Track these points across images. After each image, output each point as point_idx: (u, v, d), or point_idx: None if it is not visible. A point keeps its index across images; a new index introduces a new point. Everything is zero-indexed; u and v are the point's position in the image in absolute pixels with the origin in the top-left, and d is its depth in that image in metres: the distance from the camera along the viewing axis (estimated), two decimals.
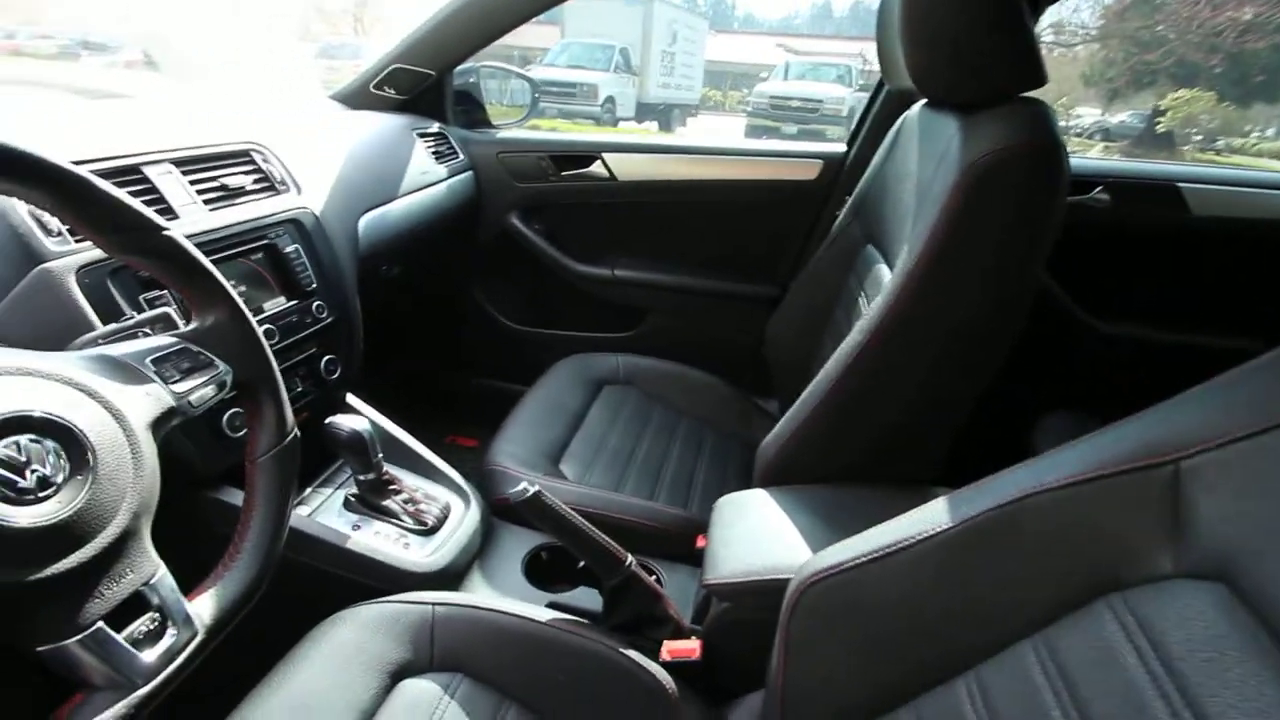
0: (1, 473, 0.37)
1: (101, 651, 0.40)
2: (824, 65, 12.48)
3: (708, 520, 0.81)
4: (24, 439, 0.38)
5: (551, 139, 1.57)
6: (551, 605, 0.87)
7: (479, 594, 0.88)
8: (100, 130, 0.81)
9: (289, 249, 0.89)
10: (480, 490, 1.01)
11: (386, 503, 0.88)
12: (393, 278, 1.25)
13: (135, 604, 0.43)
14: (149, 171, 0.76)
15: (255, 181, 0.90)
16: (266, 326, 0.83)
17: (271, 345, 0.82)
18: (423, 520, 0.89)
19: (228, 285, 0.53)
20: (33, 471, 0.38)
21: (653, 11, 13.44)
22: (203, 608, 0.48)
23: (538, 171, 1.52)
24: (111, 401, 0.43)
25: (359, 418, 0.84)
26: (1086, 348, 1.33)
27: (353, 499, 0.89)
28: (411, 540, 0.87)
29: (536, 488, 0.70)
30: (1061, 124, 0.72)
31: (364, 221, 1.09)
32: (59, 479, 0.39)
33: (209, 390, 0.50)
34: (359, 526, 0.86)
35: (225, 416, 0.74)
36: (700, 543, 0.86)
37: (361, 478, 0.87)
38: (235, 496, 0.78)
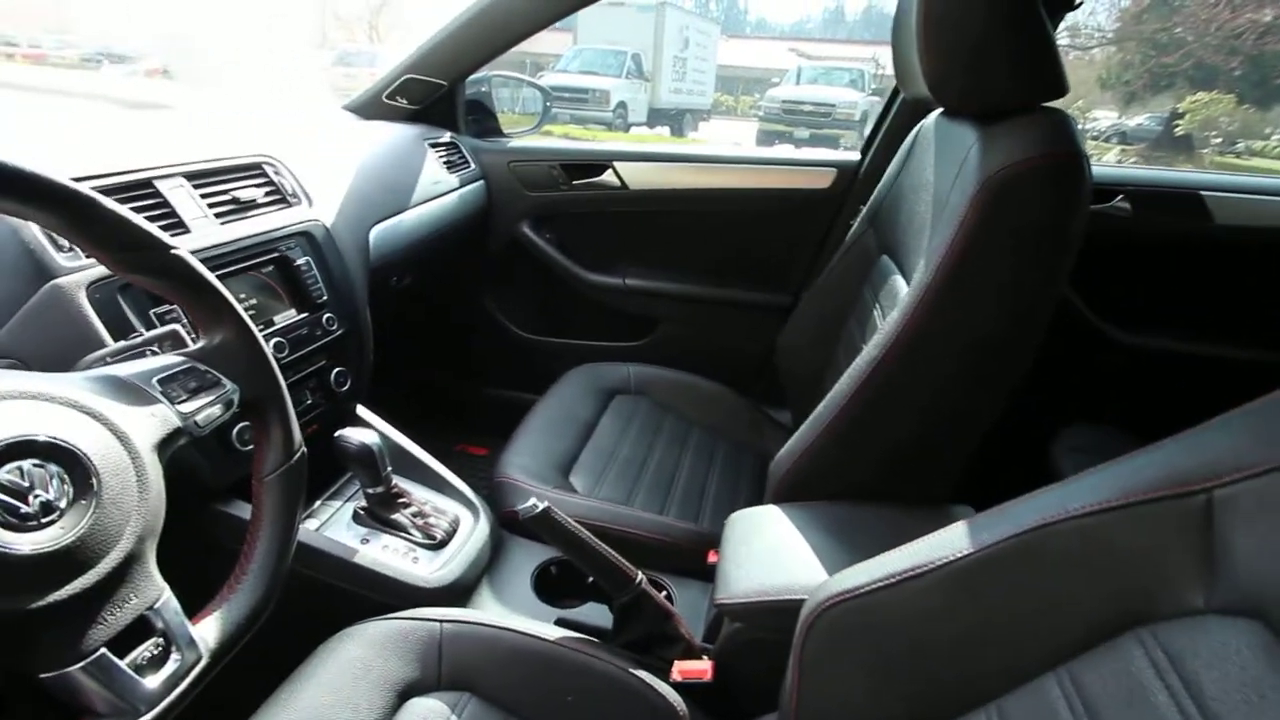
0: (4, 499, 0.37)
1: (105, 678, 0.40)
2: (837, 69, 12.45)
3: (719, 535, 0.79)
4: (27, 464, 0.38)
5: (563, 148, 1.57)
6: (560, 622, 0.86)
7: (487, 610, 0.87)
8: (114, 143, 0.81)
9: (300, 261, 0.89)
10: (489, 502, 1.00)
11: (395, 516, 0.88)
12: (403, 288, 1.25)
13: (139, 629, 0.42)
14: (161, 185, 0.76)
15: (267, 194, 0.90)
16: (277, 339, 0.83)
17: (282, 358, 0.83)
18: (432, 534, 0.88)
19: (235, 303, 0.53)
20: (36, 496, 0.38)
21: (664, 17, 13.47)
22: (207, 631, 0.47)
23: (549, 180, 1.52)
24: (116, 424, 0.43)
25: (368, 431, 0.83)
26: (1106, 359, 1.31)
27: (362, 512, 0.88)
28: (420, 554, 0.86)
29: (545, 504, 0.69)
30: (1077, 127, 0.71)
31: (375, 233, 1.09)
32: (62, 504, 0.39)
33: (216, 410, 0.50)
34: (368, 540, 0.86)
35: (235, 430, 0.74)
36: (712, 558, 0.85)
37: (370, 491, 0.86)
38: (243, 510, 0.78)
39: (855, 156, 1.43)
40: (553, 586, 0.93)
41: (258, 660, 0.57)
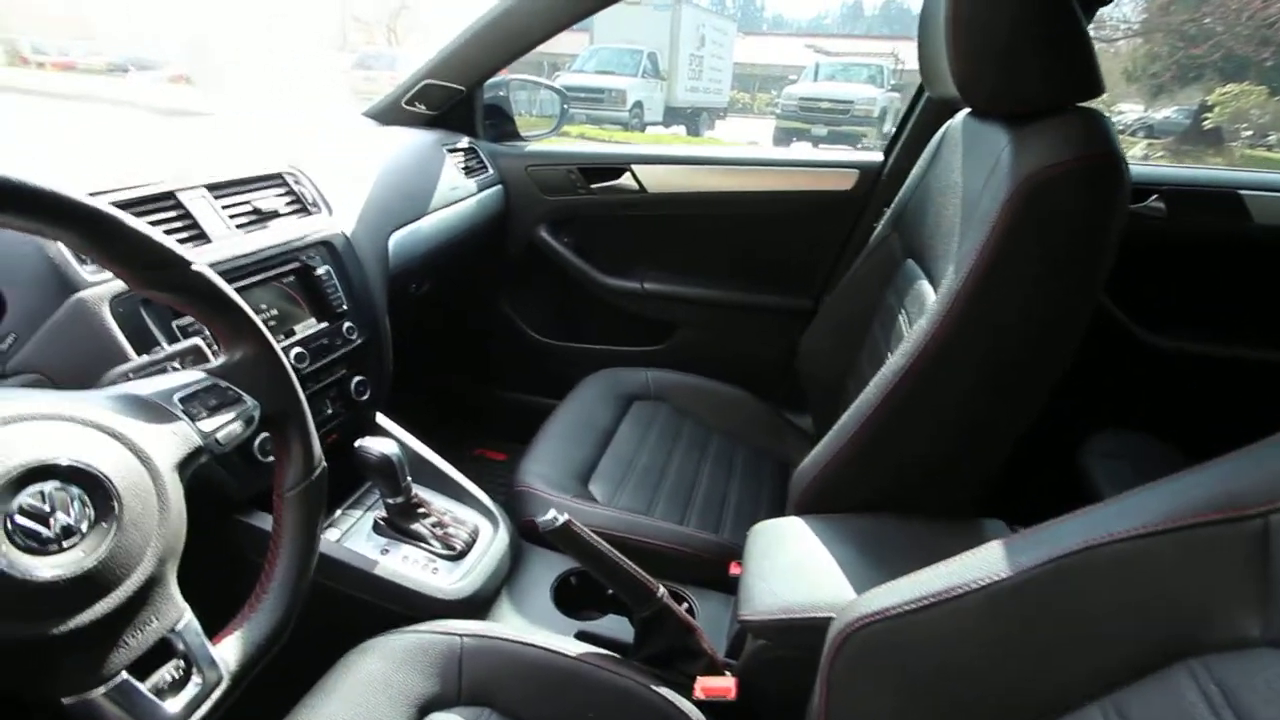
0: (25, 523, 0.36)
1: (126, 702, 0.40)
2: (855, 65, 12.32)
3: (740, 545, 0.78)
4: (49, 486, 0.38)
5: (580, 151, 1.56)
6: (581, 635, 0.85)
7: (507, 622, 0.86)
8: (138, 154, 0.82)
9: (320, 271, 0.89)
10: (508, 511, 0.99)
11: (415, 526, 0.87)
12: (422, 295, 1.25)
13: (160, 651, 0.42)
14: (183, 197, 0.77)
15: (288, 204, 0.90)
16: (298, 350, 0.82)
17: (303, 368, 0.83)
18: (451, 545, 0.88)
19: (256, 319, 0.53)
20: (57, 520, 0.37)
21: (680, 15, 13.44)
22: (228, 652, 0.47)
23: (566, 184, 1.51)
24: (138, 444, 0.42)
25: (388, 440, 0.83)
26: (1138, 363, 1.27)
27: (382, 522, 0.88)
28: (440, 565, 0.86)
29: (565, 517, 0.68)
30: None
31: (394, 240, 1.09)
32: (83, 527, 0.38)
33: (236, 427, 0.50)
34: (388, 550, 0.85)
35: (257, 442, 0.74)
36: (734, 570, 0.83)
37: (390, 501, 0.86)
38: (265, 521, 0.78)
39: (878, 157, 1.41)
40: (572, 597, 0.92)
41: (277, 673, 0.56)
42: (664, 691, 0.67)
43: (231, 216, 0.82)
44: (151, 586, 0.41)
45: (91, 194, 0.67)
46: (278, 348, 0.54)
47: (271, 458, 0.73)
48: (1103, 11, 1.01)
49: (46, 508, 0.37)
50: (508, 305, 1.62)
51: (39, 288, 0.62)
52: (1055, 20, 0.65)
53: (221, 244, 0.78)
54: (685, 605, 0.91)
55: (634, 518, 0.98)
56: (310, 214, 0.93)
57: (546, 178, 1.51)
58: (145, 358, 0.60)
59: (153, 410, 0.46)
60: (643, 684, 0.68)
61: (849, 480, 0.78)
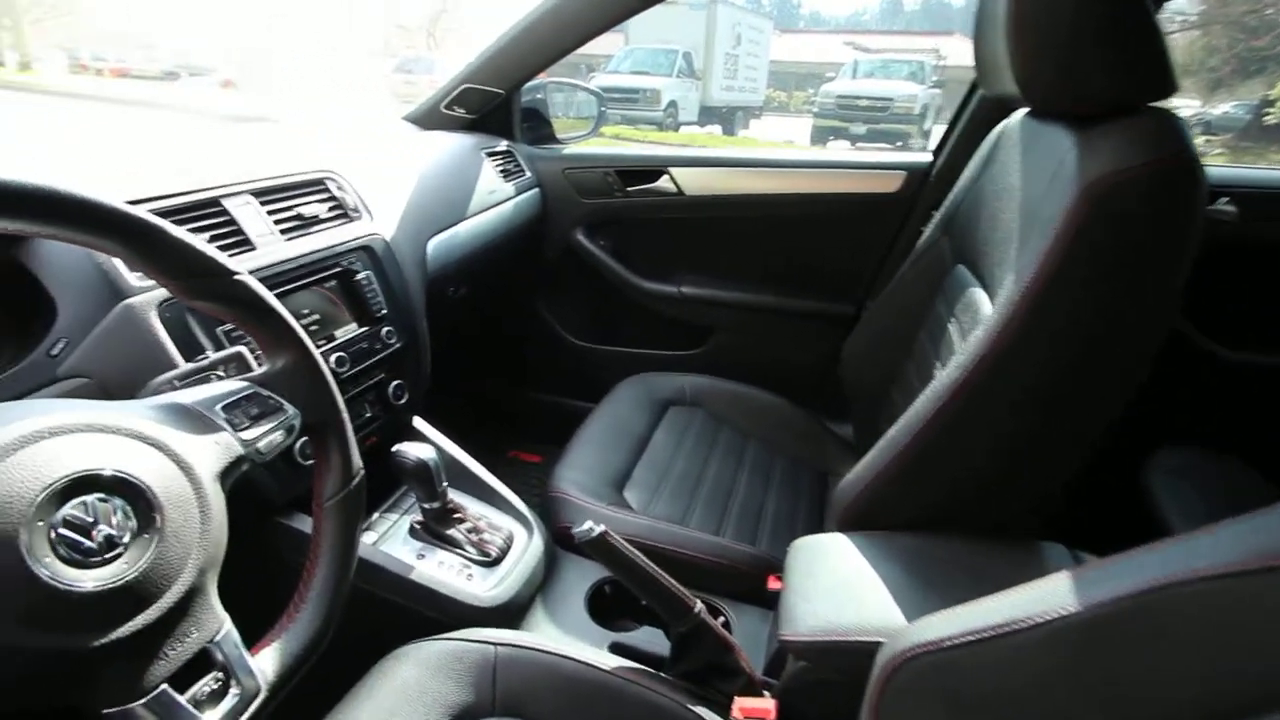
0: (69, 534, 0.36)
1: (165, 715, 0.39)
2: (895, 62, 12.06)
3: (778, 557, 0.76)
4: (92, 498, 0.38)
5: (618, 154, 1.55)
6: (614, 646, 0.84)
7: (541, 631, 0.85)
8: (186, 160, 0.83)
9: (361, 276, 0.89)
10: (543, 517, 0.99)
11: (450, 531, 0.87)
12: (459, 298, 1.26)
13: (199, 662, 0.42)
14: (228, 204, 0.78)
15: (330, 210, 0.91)
16: (338, 354, 0.83)
17: (343, 372, 0.84)
18: (486, 551, 0.87)
19: (299, 328, 0.52)
20: (99, 531, 0.37)
21: (716, 14, 13.36)
22: (266, 663, 0.47)
23: (604, 187, 1.50)
24: (180, 454, 0.42)
25: (425, 445, 0.83)
26: (1203, 375, 1.21)
27: (418, 526, 0.88)
28: (475, 571, 0.86)
29: (602, 528, 0.67)
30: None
31: (433, 244, 1.09)
32: (125, 538, 0.38)
33: (277, 436, 0.50)
34: (423, 555, 0.86)
35: (297, 446, 0.74)
36: (773, 584, 0.81)
37: (427, 506, 0.86)
38: (304, 523, 0.78)
39: (926, 158, 1.36)
40: (607, 607, 0.91)
41: (312, 679, 0.56)
42: (700, 710, 0.66)
43: (276, 222, 0.82)
44: (192, 597, 0.41)
45: (137, 201, 0.68)
46: (319, 357, 0.54)
47: (311, 461, 0.73)
48: None
49: (90, 519, 0.37)
50: (544, 308, 1.62)
51: (89, 294, 0.63)
52: (1125, 14, 0.62)
53: (265, 250, 0.79)
54: (721, 619, 0.89)
55: (670, 527, 0.96)
56: (351, 219, 0.94)
57: (584, 180, 1.51)
58: (190, 365, 0.61)
59: (196, 419, 0.46)
60: (678, 702, 0.66)
61: (896, 497, 0.75)
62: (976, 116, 1.26)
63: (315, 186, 0.92)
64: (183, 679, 0.41)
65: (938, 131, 1.42)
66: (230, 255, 0.74)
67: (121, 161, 0.81)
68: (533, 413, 1.72)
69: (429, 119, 1.40)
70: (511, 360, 1.71)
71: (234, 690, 0.43)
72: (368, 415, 0.89)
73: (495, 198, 1.31)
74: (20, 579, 0.35)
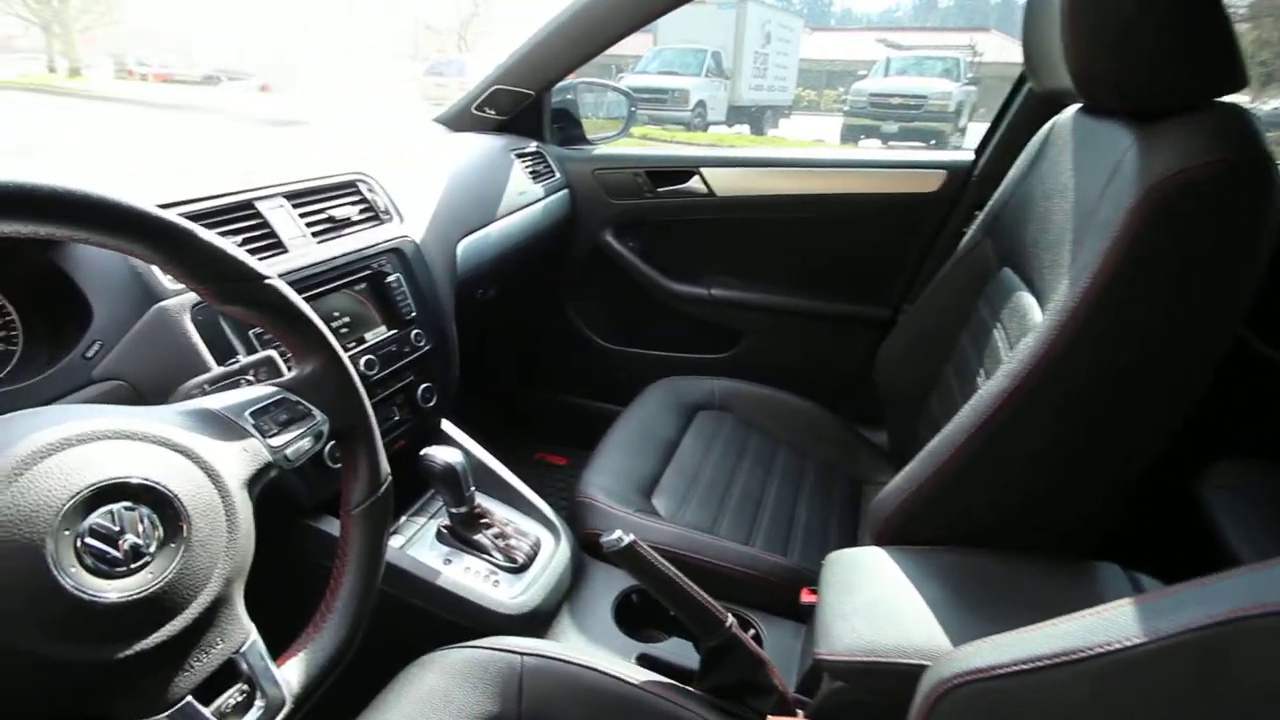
0: (95, 544, 0.36)
1: None
2: (929, 59, 11.84)
3: (810, 569, 0.73)
4: (119, 506, 0.37)
5: (649, 154, 1.53)
6: (642, 658, 0.82)
7: (567, 640, 0.84)
8: (222, 163, 0.84)
9: (391, 278, 0.89)
10: (569, 522, 0.97)
11: (477, 537, 0.87)
12: (488, 300, 1.25)
13: (224, 674, 0.42)
14: (261, 206, 0.78)
15: (361, 212, 0.91)
16: (367, 357, 0.83)
17: (372, 375, 0.83)
18: (513, 557, 0.86)
19: (329, 334, 0.52)
20: (125, 540, 0.37)
21: (746, 13, 13.28)
22: (291, 674, 0.46)
23: (633, 188, 1.48)
24: (209, 462, 0.42)
25: (452, 450, 0.82)
26: (1264, 384, 1.14)
27: (445, 531, 0.87)
28: (501, 578, 0.85)
29: (631, 537, 0.65)
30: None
31: (462, 246, 1.09)
32: (152, 548, 0.38)
33: (305, 443, 0.49)
34: (450, 560, 0.85)
35: (327, 448, 0.74)
36: (806, 597, 0.78)
37: (454, 510, 0.85)
38: (333, 526, 0.78)
39: (968, 156, 1.32)
40: (634, 616, 0.89)
41: (337, 685, 0.56)
42: None
43: (308, 225, 0.82)
44: (218, 608, 0.41)
45: (170, 204, 0.68)
46: (348, 363, 0.53)
47: (340, 464, 0.73)
48: None
49: (116, 528, 0.37)
50: (571, 310, 1.61)
51: (124, 296, 0.63)
52: (1191, 3, 0.58)
53: (297, 253, 0.79)
54: (752, 632, 0.86)
55: (699, 536, 0.94)
56: (382, 221, 0.93)
57: (613, 181, 1.49)
58: (221, 369, 0.60)
59: (224, 426, 0.45)
60: (708, 719, 0.64)
61: (937, 510, 0.72)
62: (1023, 113, 1.21)
63: (347, 189, 0.92)
64: (207, 690, 0.40)
65: (974, 129, 1.37)
66: (263, 258, 0.75)
67: (159, 165, 0.82)
68: (559, 414, 1.71)
69: (459, 120, 1.40)
70: (538, 361, 1.71)
71: (259, 702, 0.43)
72: (396, 418, 0.89)
73: (525, 199, 1.30)
74: (46, 589, 0.34)
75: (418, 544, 0.87)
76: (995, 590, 0.64)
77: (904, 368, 1.08)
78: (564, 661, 0.68)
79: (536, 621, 0.83)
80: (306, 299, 0.51)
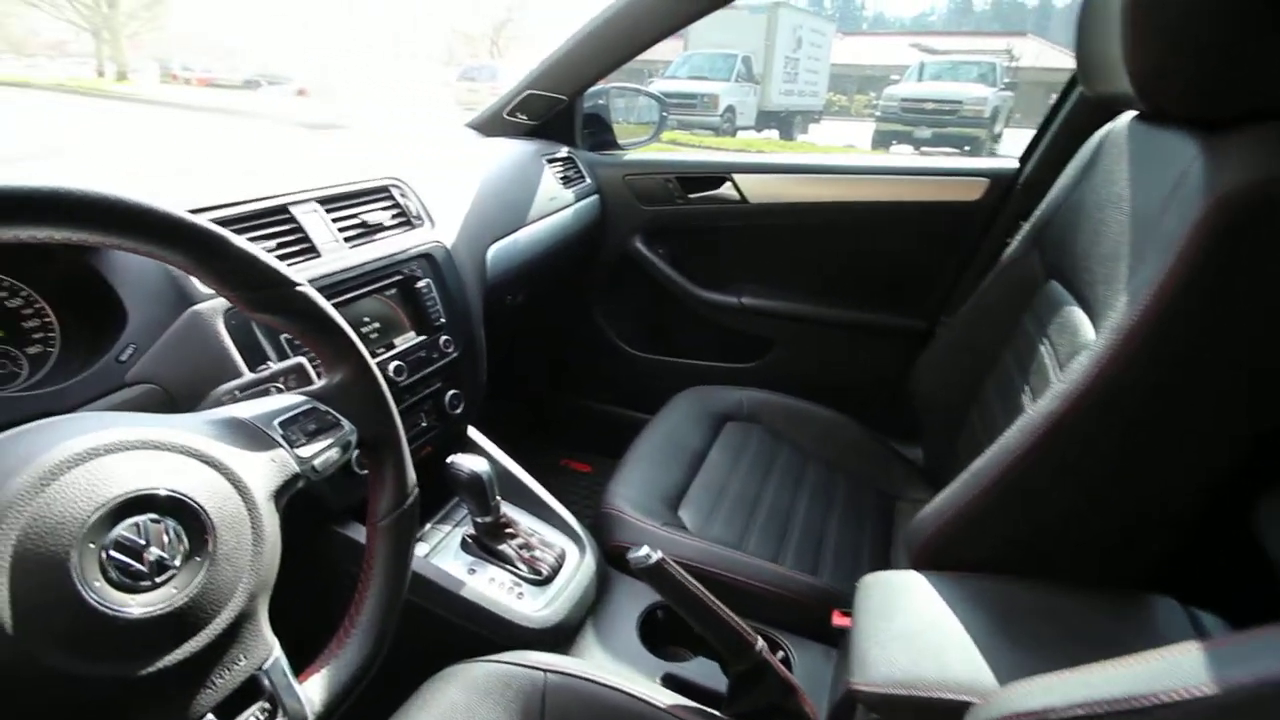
0: (119, 557, 0.35)
1: None
2: (964, 64, 11.64)
3: (842, 590, 0.70)
4: (144, 519, 0.37)
5: (680, 160, 1.52)
6: (667, 678, 0.80)
7: (591, 656, 0.83)
8: (257, 167, 0.84)
9: (421, 284, 0.89)
10: (594, 533, 0.96)
11: (502, 547, 0.86)
12: (517, 306, 1.25)
13: (247, 690, 0.41)
14: (295, 211, 0.78)
15: (393, 217, 0.91)
16: (396, 363, 0.82)
17: (401, 381, 0.83)
18: (537, 569, 0.85)
19: (359, 343, 0.51)
20: (150, 554, 0.36)
21: (776, 18, 13.21)
22: (314, 691, 0.45)
23: (664, 194, 1.47)
24: (236, 473, 0.41)
25: (478, 458, 0.81)
26: None
27: (470, 540, 0.87)
28: (525, 590, 0.83)
29: (659, 554, 0.63)
30: None
31: (492, 251, 1.08)
32: (176, 562, 0.37)
33: (333, 454, 0.48)
34: (474, 570, 0.84)
35: (354, 455, 0.74)
36: (838, 620, 0.75)
37: (479, 520, 0.84)
38: (360, 532, 0.78)
39: (1011, 164, 1.28)
40: (659, 631, 0.87)
41: (358, 699, 0.55)
42: None
43: (340, 230, 0.82)
44: (241, 623, 0.40)
45: (204, 209, 0.68)
46: (378, 373, 0.52)
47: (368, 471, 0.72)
48: None
49: (142, 541, 0.36)
50: (599, 316, 1.60)
51: (159, 300, 0.63)
52: (1268, 5, 0.54)
53: (330, 258, 0.79)
54: (781, 654, 0.84)
55: (727, 552, 0.92)
56: (414, 226, 0.93)
57: (644, 187, 1.48)
58: (251, 375, 0.60)
59: (253, 435, 0.45)
60: None
61: (980, 534, 0.69)
62: (1072, 119, 1.17)
63: (379, 194, 0.91)
64: (228, 708, 0.40)
65: (1009, 135, 1.33)
66: (295, 262, 0.74)
67: (198, 168, 0.83)
68: (585, 420, 1.70)
69: (491, 125, 1.40)
70: (565, 368, 1.70)
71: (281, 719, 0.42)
72: (423, 425, 0.88)
73: (555, 204, 1.30)
74: (68, 603, 0.33)
75: (442, 553, 0.86)
76: (1043, 622, 0.60)
77: (942, 381, 1.04)
78: (588, 680, 0.67)
79: (560, 636, 0.81)
80: (337, 304, 0.51)
